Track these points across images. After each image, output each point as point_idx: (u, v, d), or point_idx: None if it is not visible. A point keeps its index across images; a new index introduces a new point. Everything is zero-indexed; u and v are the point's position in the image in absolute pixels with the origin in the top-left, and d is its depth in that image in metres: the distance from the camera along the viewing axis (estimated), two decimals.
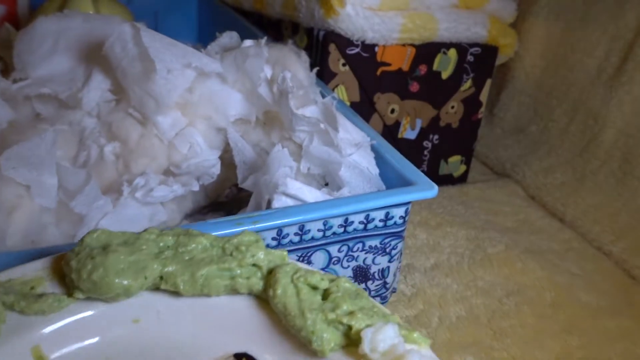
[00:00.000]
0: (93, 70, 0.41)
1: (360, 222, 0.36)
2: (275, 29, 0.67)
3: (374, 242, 0.37)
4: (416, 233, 0.54)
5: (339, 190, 0.37)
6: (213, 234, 0.25)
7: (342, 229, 0.35)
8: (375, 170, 0.39)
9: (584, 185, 0.61)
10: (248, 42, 0.44)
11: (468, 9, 0.59)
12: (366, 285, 0.39)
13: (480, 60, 0.61)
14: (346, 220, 0.35)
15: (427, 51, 0.58)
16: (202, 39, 0.91)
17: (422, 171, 0.64)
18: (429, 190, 0.36)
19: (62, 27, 0.43)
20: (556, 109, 0.67)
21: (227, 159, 0.41)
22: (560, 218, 0.60)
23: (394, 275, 0.40)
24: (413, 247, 0.52)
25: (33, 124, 0.37)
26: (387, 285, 0.40)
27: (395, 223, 0.37)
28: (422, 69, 0.59)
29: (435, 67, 0.59)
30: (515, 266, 0.51)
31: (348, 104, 0.57)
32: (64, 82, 0.41)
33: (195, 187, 0.38)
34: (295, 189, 0.34)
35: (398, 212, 0.37)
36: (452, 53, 0.59)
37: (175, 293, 0.24)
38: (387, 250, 0.38)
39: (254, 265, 0.24)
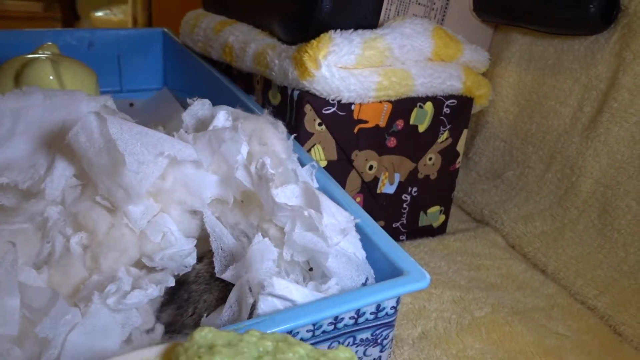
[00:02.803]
0: (56, 155, 0.38)
1: (350, 318, 0.34)
2: (246, 81, 0.66)
3: (365, 335, 0.35)
4: (401, 297, 0.52)
5: (324, 281, 0.35)
6: None
7: (332, 327, 0.33)
8: (362, 255, 0.37)
9: (564, 235, 0.61)
10: (222, 116, 0.42)
11: (442, 61, 0.59)
12: None
13: (457, 111, 0.61)
14: (336, 317, 0.33)
15: (403, 106, 0.57)
16: (169, 82, 0.89)
17: (402, 224, 0.64)
18: (421, 280, 0.34)
19: (21, 106, 0.41)
20: (532, 155, 0.67)
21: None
22: (542, 270, 0.60)
23: None
24: (399, 313, 0.51)
25: None
26: None
27: (386, 314, 0.35)
28: (399, 124, 0.58)
29: (412, 121, 0.58)
30: (504, 330, 0.50)
31: (325, 162, 0.56)
32: (24, 169, 0.38)
33: (171, 283, 0.36)
34: (282, 289, 0.32)
35: (389, 303, 0.35)
36: (429, 106, 0.58)
37: None
38: (379, 341, 0.36)
39: None
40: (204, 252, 0.39)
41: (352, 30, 0.53)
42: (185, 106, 0.74)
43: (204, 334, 0.25)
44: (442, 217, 0.66)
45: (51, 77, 0.51)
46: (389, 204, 0.62)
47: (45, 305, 0.28)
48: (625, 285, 0.54)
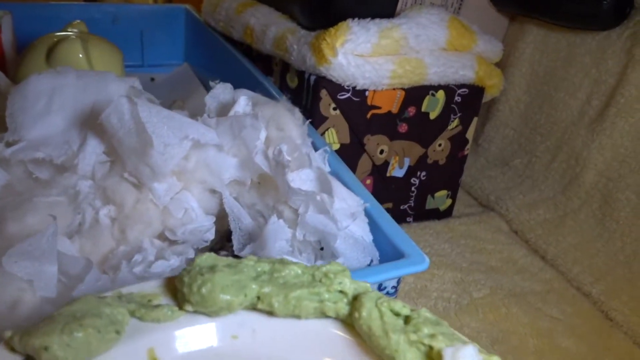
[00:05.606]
0: (88, 133, 0.41)
1: None
2: (265, 63, 0.68)
3: None
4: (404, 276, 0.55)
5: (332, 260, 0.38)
6: None
7: None
8: (369, 238, 0.40)
9: (565, 223, 0.63)
10: (242, 101, 0.44)
11: (456, 51, 0.60)
12: None
13: (468, 100, 0.62)
14: None
15: (416, 94, 0.59)
16: (189, 59, 0.91)
17: (409, 207, 0.67)
18: (420, 263, 0.37)
19: (56, 85, 0.43)
20: (540, 145, 0.68)
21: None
22: (542, 256, 0.62)
23: None
24: (401, 291, 0.54)
25: (29, 193, 0.38)
26: None
27: (387, 293, 0.38)
28: (411, 111, 0.60)
29: (423, 108, 0.60)
30: (500, 311, 0.53)
31: (338, 145, 0.58)
32: (59, 144, 0.41)
33: (192, 255, 0.39)
34: None
35: (390, 283, 0.38)
36: (440, 94, 0.60)
37: (269, 314, 0.26)
38: None
39: (340, 291, 0.27)
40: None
41: (369, 19, 0.55)
42: (204, 82, 0.77)
43: (205, 258, 0.27)
44: (449, 201, 0.69)
45: (80, 55, 0.53)
46: (398, 187, 0.64)
47: (80, 272, 0.32)
48: (620, 274, 0.57)
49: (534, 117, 0.69)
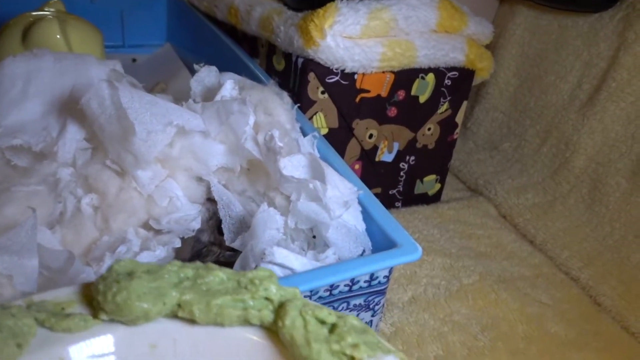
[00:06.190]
0: (67, 119, 0.39)
1: (345, 285, 0.36)
2: (251, 44, 0.66)
3: (358, 301, 0.38)
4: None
5: (323, 250, 0.37)
6: None
7: (327, 293, 0.36)
8: (362, 227, 0.39)
9: (554, 208, 0.63)
10: (229, 85, 0.43)
11: (446, 33, 0.59)
12: None
13: (458, 83, 0.61)
14: (332, 285, 0.35)
15: (405, 77, 0.58)
16: (172, 39, 0.89)
17: (398, 191, 0.66)
18: (413, 253, 0.36)
19: (32, 69, 0.41)
20: (529, 128, 0.68)
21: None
22: (530, 241, 0.62)
23: (376, 326, 0.41)
24: (391, 279, 0.53)
25: (7, 182, 0.36)
26: None
27: (379, 282, 0.37)
28: (401, 94, 0.59)
29: (413, 92, 0.59)
30: (489, 297, 0.52)
31: (326, 130, 0.57)
32: (37, 131, 0.39)
33: (177, 244, 0.38)
34: (282, 258, 0.34)
35: (382, 273, 0.37)
36: (430, 78, 0.59)
37: (191, 323, 0.25)
38: (371, 306, 0.38)
39: (266, 298, 0.25)
40: None
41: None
42: (187, 63, 0.75)
43: (123, 264, 0.25)
44: (438, 186, 0.68)
45: (58, 37, 0.51)
46: (387, 171, 0.63)
47: (62, 265, 0.30)
48: (609, 258, 0.57)
49: (523, 100, 0.69)
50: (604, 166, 0.59)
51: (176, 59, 0.82)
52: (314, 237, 0.40)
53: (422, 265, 0.55)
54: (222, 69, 0.46)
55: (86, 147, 0.40)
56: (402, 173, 0.65)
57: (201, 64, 0.46)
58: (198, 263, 0.26)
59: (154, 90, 0.67)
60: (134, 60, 0.85)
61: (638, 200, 0.56)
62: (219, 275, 0.25)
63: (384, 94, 0.58)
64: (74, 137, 0.39)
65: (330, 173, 0.39)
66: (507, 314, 0.51)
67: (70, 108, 0.40)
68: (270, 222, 0.36)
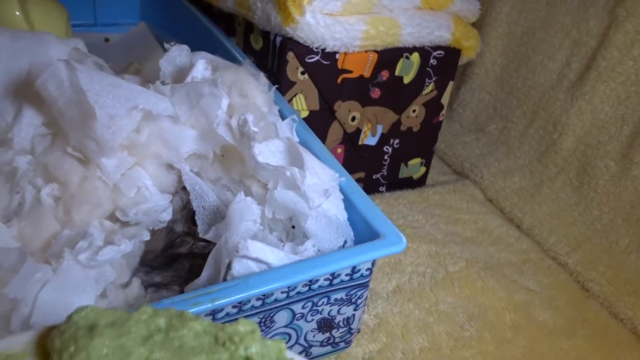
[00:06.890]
0: (23, 103, 0.36)
1: (325, 279, 0.34)
2: (227, 21, 0.63)
3: (340, 295, 0.36)
4: None
5: (302, 242, 0.35)
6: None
7: (306, 288, 0.33)
8: (343, 216, 0.37)
9: (541, 192, 0.61)
10: (201, 66, 0.40)
11: (432, 10, 0.57)
12: (330, 334, 0.38)
13: (443, 63, 0.59)
14: (311, 280, 0.33)
15: (389, 56, 0.55)
16: (146, 17, 0.85)
17: (382, 176, 0.64)
18: (397, 244, 0.34)
19: None
20: (516, 110, 0.66)
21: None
22: (517, 225, 0.61)
23: (359, 319, 0.39)
24: (375, 267, 0.51)
25: None
26: (352, 330, 0.39)
27: (361, 275, 0.35)
28: (384, 75, 0.56)
29: (397, 72, 0.57)
30: (476, 285, 0.51)
31: (307, 113, 0.55)
32: None
33: (146, 237, 0.35)
34: (257, 252, 0.32)
35: (365, 265, 0.35)
36: (415, 57, 0.57)
37: None
38: (353, 300, 0.36)
39: (247, 358, 0.23)
40: None
41: None
42: (162, 43, 0.71)
43: (84, 314, 0.22)
44: (423, 169, 0.66)
45: (17, 13, 0.48)
46: (370, 155, 0.61)
47: (14, 264, 0.28)
48: (597, 243, 0.56)
49: (510, 81, 0.67)
50: (592, 148, 0.58)
51: (151, 38, 0.78)
52: (293, 227, 0.38)
53: (407, 253, 0.54)
54: (197, 48, 0.43)
55: (45, 133, 0.37)
56: (386, 157, 0.62)
57: (172, 43, 0.43)
58: (172, 310, 0.23)
59: (128, 71, 0.64)
60: (106, 39, 0.81)
61: (627, 183, 0.55)
62: (195, 327, 0.23)
63: (366, 74, 0.55)
64: (31, 122, 0.36)
65: (309, 159, 0.37)
66: (494, 302, 0.49)
67: (27, 91, 0.36)
68: (247, 213, 0.34)
